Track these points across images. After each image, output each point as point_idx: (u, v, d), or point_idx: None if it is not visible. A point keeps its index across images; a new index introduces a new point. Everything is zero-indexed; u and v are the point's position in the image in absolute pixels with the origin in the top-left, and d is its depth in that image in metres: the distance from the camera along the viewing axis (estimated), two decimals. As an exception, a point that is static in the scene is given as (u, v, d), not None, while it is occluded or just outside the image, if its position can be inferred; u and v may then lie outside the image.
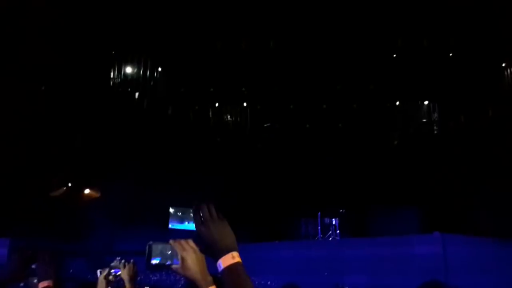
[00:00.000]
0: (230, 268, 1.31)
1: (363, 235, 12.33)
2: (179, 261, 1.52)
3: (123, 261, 3.37)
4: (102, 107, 13.26)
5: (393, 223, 13.09)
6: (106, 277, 3.48)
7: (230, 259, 1.32)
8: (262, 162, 15.85)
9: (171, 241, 1.58)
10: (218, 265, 1.34)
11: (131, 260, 3.36)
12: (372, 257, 10.15)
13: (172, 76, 16.03)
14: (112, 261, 3.52)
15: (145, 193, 13.21)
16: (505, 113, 14.00)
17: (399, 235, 10.90)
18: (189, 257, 1.54)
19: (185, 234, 13.33)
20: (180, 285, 9.32)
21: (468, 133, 14.60)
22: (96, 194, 13.16)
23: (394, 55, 15.81)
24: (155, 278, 9.88)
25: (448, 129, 15.59)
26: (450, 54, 15.17)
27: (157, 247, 1.57)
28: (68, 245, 10.78)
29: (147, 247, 1.58)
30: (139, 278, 3.48)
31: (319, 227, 12.59)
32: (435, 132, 16.05)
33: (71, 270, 10.02)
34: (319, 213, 12.65)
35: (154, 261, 1.56)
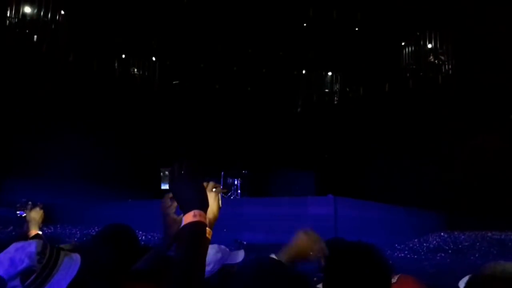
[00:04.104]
0: (189, 226, 1.26)
1: (263, 196, 12.76)
2: None
3: (30, 202, 3.14)
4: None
5: (292, 185, 13.70)
6: None
7: (190, 217, 1.26)
8: (168, 119, 15.58)
9: None
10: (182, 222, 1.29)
11: (38, 203, 3.14)
12: (269, 216, 10.55)
13: (76, 21, 14.94)
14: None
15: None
16: (399, 89, 15.18)
17: (295, 196, 11.44)
18: None
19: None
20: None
21: (365, 105, 15.61)
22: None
23: (305, 24, 16.23)
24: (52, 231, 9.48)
25: (348, 100, 16.53)
26: (356, 29, 15.92)
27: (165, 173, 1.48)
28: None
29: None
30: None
31: (221, 186, 12.77)
32: (336, 102, 16.92)
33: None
34: (222, 172, 12.82)
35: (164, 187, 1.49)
